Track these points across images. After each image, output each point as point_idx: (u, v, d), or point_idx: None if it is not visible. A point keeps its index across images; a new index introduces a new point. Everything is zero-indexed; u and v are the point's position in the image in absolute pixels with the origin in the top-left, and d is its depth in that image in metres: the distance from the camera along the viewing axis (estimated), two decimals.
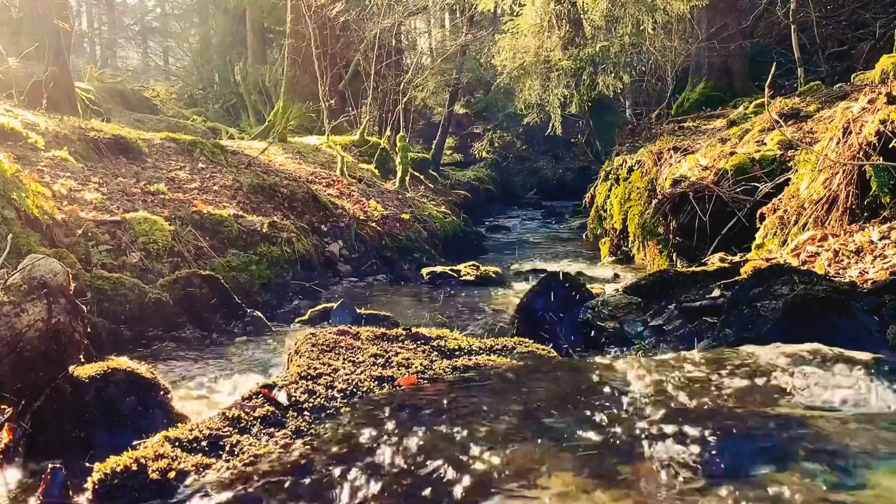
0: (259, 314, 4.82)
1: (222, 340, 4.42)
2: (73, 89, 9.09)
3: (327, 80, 13.08)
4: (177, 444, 1.93)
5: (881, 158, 4.48)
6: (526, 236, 12.30)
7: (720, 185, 6.35)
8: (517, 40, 14.20)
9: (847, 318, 2.96)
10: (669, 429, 1.97)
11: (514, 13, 14.73)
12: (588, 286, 4.44)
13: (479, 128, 23.37)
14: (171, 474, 1.81)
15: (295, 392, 2.26)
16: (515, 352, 2.75)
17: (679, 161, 7.63)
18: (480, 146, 22.50)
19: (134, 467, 1.82)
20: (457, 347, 2.73)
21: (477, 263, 7.25)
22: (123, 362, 2.57)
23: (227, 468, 1.85)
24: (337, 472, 1.81)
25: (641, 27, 12.88)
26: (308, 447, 1.95)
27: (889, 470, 1.74)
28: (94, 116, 9.83)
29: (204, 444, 1.96)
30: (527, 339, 2.95)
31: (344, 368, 2.46)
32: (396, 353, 2.61)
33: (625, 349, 3.50)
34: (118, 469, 1.82)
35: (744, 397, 2.19)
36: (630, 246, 7.96)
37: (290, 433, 2.04)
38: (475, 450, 1.89)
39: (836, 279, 3.63)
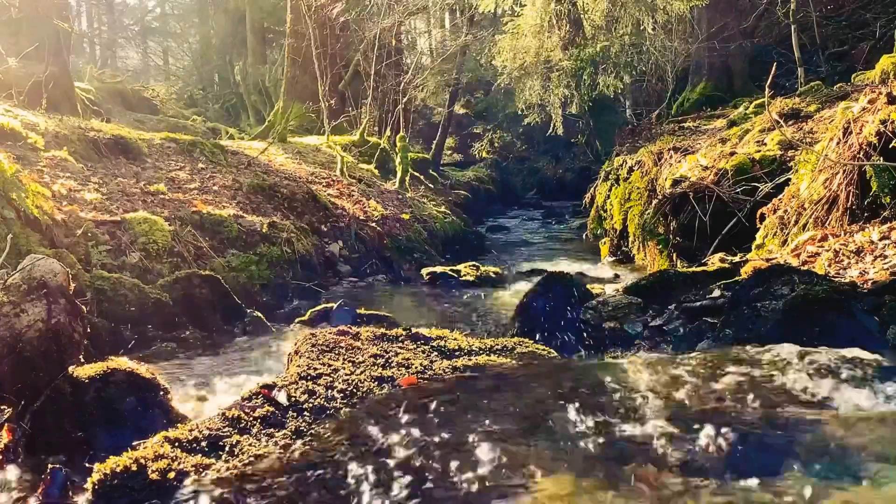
0: (259, 314, 4.81)
1: (222, 341, 4.42)
2: (72, 89, 9.09)
3: (327, 80, 13.08)
4: (176, 444, 1.93)
5: (881, 158, 4.48)
6: (526, 237, 12.29)
7: (720, 185, 6.34)
8: (517, 40, 14.20)
9: (847, 318, 2.96)
10: (669, 429, 1.97)
11: (515, 13, 14.73)
12: (588, 286, 4.43)
13: (479, 128, 23.37)
14: (171, 475, 1.81)
15: (295, 392, 2.26)
16: (515, 352, 2.75)
17: (679, 161, 7.63)
18: (480, 146, 22.50)
19: (134, 467, 1.82)
20: (457, 348, 2.73)
21: (477, 263, 7.24)
22: (123, 362, 2.57)
23: (227, 468, 1.85)
24: (337, 472, 1.81)
25: (641, 27, 12.89)
26: (308, 448, 1.95)
27: (889, 470, 1.74)
28: (94, 116, 9.83)
29: (204, 444, 1.96)
30: (527, 339, 2.95)
31: (344, 369, 2.46)
32: (396, 354, 2.61)
33: (625, 349, 3.49)
34: (118, 469, 1.81)
35: (744, 397, 2.19)
36: (630, 246, 7.95)
37: (289, 434, 2.04)
38: (475, 450, 1.89)
39: (837, 279, 3.63)
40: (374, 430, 2.00)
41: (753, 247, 5.45)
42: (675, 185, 6.87)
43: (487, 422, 2.06)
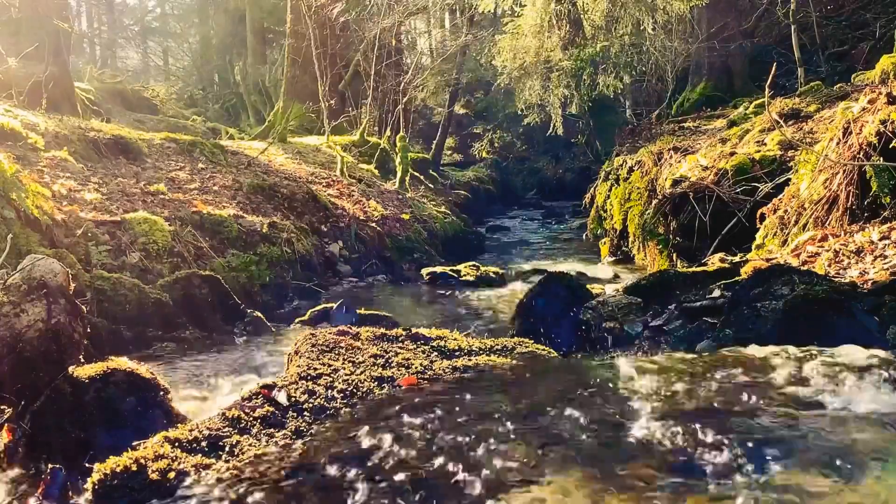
0: (259, 314, 4.81)
1: (222, 341, 4.42)
2: (72, 89, 9.09)
3: (327, 80, 13.08)
4: (177, 444, 1.93)
5: (881, 159, 4.48)
6: (526, 237, 12.29)
7: (720, 185, 6.34)
8: (517, 40, 14.21)
9: (847, 318, 2.96)
10: (669, 429, 1.97)
11: (515, 13, 14.74)
12: (588, 286, 4.44)
13: (479, 128, 23.36)
14: (171, 475, 1.81)
15: (295, 392, 2.26)
16: (515, 352, 2.75)
17: (679, 161, 7.63)
18: (480, 146, 22.49)
19: (134, 468, 1.82)
20: (457, 348, 2.73)
21: (477, 264, 7.24)
22: (123, 362, 2.57)
23: (227, 468, 1.85)
24: (337, 472, 1.81)
25: (641, 27, 12.89)
26: (308, 448, 1.95)
27: (889, 470, 1.74)
28: (94, 116, 9.83)
29: (204, 444, 1.96)
30: (527, 339, 2.95)
31: (344, 369, 2.46)
32: (396, 354, 2.61)
33: (625, 349, 3.49)
34: (118, 469, 1.81)
35: (744, 398, 2.19)
36: (630, 246, 7.96)
37: (289, 433, 2.04)
38: (475, 450, 1.89)
39: (837, 279, 3.63)
40: (374, 431, 2.00)
41: (753, 247, 5.45)
42: (675, 185, 6.87)
43: (487, 422, 2.06)
